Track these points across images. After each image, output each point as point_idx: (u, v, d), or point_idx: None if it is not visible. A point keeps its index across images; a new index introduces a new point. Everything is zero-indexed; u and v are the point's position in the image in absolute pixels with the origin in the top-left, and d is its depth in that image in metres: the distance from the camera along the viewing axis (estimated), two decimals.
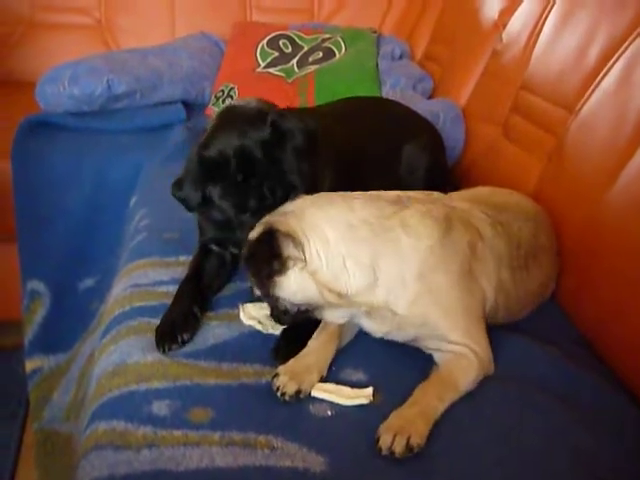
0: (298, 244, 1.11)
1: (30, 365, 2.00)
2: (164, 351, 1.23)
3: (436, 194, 1.31)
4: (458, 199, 1.33)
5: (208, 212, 1.38)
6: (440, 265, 1.15)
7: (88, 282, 2.08)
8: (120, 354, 1.24)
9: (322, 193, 1.22)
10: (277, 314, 1.21)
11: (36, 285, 2.09)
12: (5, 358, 2.24)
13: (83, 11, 2.93)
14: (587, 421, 1.13)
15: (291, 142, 1.29)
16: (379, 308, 1.15)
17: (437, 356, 1.20)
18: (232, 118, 1.34)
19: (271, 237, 1.12)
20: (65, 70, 2.24)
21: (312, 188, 1.29)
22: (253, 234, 1.17)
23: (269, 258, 1.12)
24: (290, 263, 1.12)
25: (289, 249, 1.11)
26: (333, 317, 1.20)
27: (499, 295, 1.25)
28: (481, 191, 1.52)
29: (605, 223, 1.43)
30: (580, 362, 1.29)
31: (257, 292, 1.21)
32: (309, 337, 1.23)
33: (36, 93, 2.26)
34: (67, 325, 2.02)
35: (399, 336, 1.20)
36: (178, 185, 1.34)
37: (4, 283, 2.28)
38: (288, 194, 1.27)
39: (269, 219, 1.17)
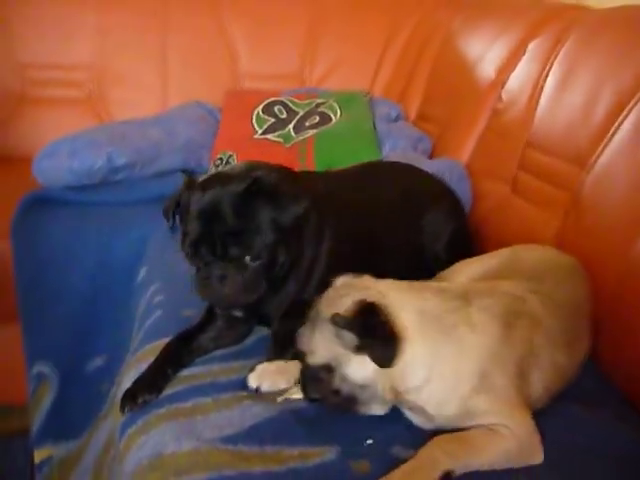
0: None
1: (39, 455, 1.88)
2: (124, 413, 1.27)
3: (491, 283, 1.27)
4: (501, 278, 1.30)
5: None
6: (498, 365, 1.11)
7: (97, 361, 1.99)
8: (154, 445, 1.16)
9: (388, 280, 1.18)
10: (323, 393, 1.15)
11: (42, 367, 1.99)
12: (6, 445, 2.11)
13: (74, 84, 2.92)
14: None
15: (271, 210, 1.29)
16: (421, 408, 1.12)
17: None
18: (225, 170, 1.43)
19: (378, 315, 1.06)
20: (63, 144, 2.21)
21: (274, 259, 1.32)
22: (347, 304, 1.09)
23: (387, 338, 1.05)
24: None
25: None
26: (376, 410, 1.16)
27: (554, 377, 1.21)
28: (506, 254, 1.49)
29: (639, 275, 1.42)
30: (630, 422, 1.26)
31: (316, 360, 1.12)
32: None
33: (34, 169, 2.22)
34: (77, 409, 1.92)
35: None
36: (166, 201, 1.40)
37: (6, 365, 2.18)
38: (242, 254, 1.28)
39: (374, 293, 1.10)
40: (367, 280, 1.15)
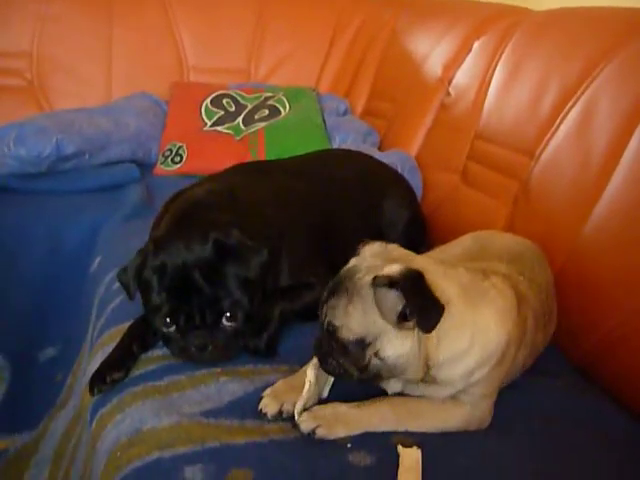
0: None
1: None
2: (94, 394, 1.25)
3: (483, 264, 1.25)
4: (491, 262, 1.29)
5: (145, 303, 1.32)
6: (514, 339, 1.13)
7: (49, 352, 1.94)
8: (132, 422, 1.15)
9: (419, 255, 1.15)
10: (344, 367, 1.08)
11: None
12: None
13: (14, 72, 2.82)
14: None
15: (237, 267, 1.27)
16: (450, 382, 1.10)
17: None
18: (184, 222, 1.36)
19: (425, 282, 1.01)
20: (9, 131, 2.15)
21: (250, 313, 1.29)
22: (392, 270, 1.02)
23: (434, 302, 0.99)
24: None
25: None
26: (394, 387, 1.13)
27: (532, 356, 1.26)
28: (468, 241, 1.49)
29: (586, 256, 1.51)
30: (585, 391, 1.34)
31: (349, 335, 1.04)
32: None
33: None
34: (31, 400, 1.86)
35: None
36: (123, 271, 1.32)
37: None
38: (219, 319, 1.26)
39: (407, 264, 1.04)
40: (399, 250, 1.12)
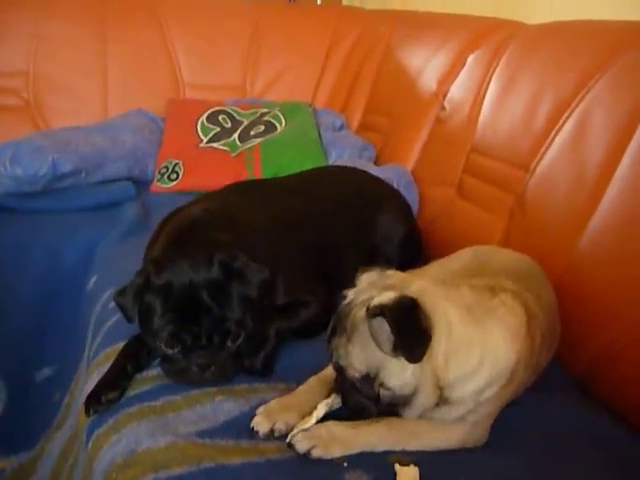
0: (430, 325, 1.01)
1: None
2: (89, 415, 1.24)
3: (491, 280, 1.23)
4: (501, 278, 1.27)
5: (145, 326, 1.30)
6: (524, 357, 1.12)
7: (46, 372, 1.93)
8: (127, 443, 1.14)
9: (420, 278, 1.14)
10: (363, 404, 1.09)
11: None
12: None
13: (10, 92, 2.83)
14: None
15: (240, 287, 1.27)
16: (462, 401, 1.08)
17: None
18: (183, 242, 1.36)
19: (416, 311, 1.00)
20: (6, 150, 2.15)
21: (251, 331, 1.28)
22: (384, 298, 1.02)
23: (419, 333, 0.99)
24: None
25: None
26: (418, 413, 1.10)
27: (534, 375, 1.24)
28: (468, 255, 1.48)
29: (582, 269, 1.51)
30: (579, 404, 1.33)
31: (354, 373, 1.06)
32: None
33: None
34: (28, 420, 1.85)
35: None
36: (122, 293, 1.30)
37: None
38: (224, 340, 1.26)
39: (401, 291, 1.03)
40: (396, 276, 1.11)
